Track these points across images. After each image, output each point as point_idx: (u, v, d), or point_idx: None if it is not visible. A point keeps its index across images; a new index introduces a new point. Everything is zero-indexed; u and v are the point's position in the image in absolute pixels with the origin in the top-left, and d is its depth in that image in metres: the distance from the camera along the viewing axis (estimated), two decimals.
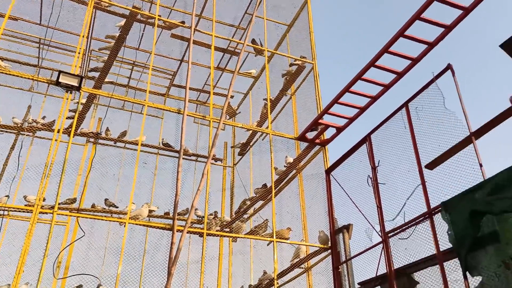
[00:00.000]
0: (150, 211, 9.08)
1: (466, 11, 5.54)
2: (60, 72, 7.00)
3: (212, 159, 12.19)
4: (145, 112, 7.93)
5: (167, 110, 8.69)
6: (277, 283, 8.29)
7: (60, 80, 6.89)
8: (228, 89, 8.53)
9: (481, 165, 4.90)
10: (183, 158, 11.34)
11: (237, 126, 10.48)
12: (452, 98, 5.41)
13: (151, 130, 11.80)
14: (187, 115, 7.71)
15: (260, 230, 7.76)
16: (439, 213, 5.23)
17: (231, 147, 12.94)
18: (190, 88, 12.64)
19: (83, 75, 7.60)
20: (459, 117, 5.18)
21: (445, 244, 5.20)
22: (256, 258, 9.60)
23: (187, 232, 6.89)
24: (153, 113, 11.97)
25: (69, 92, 7.06)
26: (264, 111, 9.86)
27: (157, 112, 12.05)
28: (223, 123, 10.29)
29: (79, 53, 7.60)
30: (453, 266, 5.13)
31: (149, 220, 8.78)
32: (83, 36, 7.82)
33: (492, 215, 4.56)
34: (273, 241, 7.34)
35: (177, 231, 6.20)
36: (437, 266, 5.29)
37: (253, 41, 10.25)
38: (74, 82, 6.97)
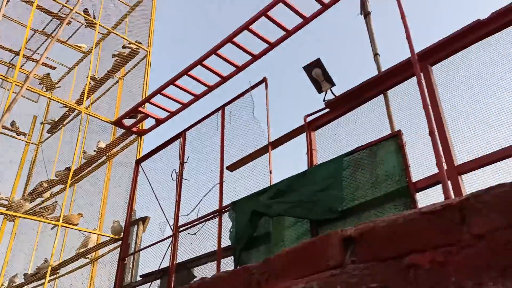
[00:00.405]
0: None
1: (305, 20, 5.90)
2: None
3: (12, 131, 10.72)
4: None
5: None
6: (57, 273, 7.56)
7: None
8: (43, 53, 7.58)
9: (270, 172, 5.32)
10: None
11: (46, 97, 9.37)
12: (263, 108, 5.80)
13: None
14: None
15: (46, 212, 6.97)
16: (228, 212, 5.47)
17: (40, 123, 11.56)
18: (4, 48, 11.01)
19: None
20: (263, 127, 5.57)
21: (227, 241, 5.45)
22: (41, 244, 8.61)
23: None
24: None
25: None
26: (85, 88, 9.10)
27: None
28: (34, 92, 9.16)
29: None
30: (229, 262, 5.39)
31: None
32: None
33: (269, 217, 4.97)
34: (58, 225, 6.65)
35: None
36: (215, 261, 5.49)
37: (86, 11, 9.44)
38: None
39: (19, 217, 7.06)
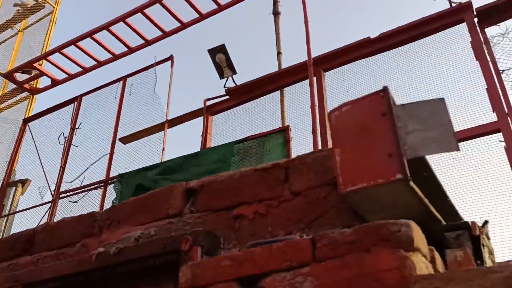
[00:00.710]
0: None
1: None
2: None
3: None
4: None
5: None
6: None
7: None
8: None
9: (163, 149, 5.36)
10: None
11: None
12: (166, 86, 5.79)
13: None
14: None
15: None
16: (114, 183, 5.40)
17: None
18: None
19: None
20: (162, 104, 5.56)
21: None
22: None
23: None
24: None
25: None
26: None
27: None
28: None
29: None
30: None
31: None
32: None
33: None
34: None
35: None
36: None
37: None
38: None
39: None
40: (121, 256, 1.48)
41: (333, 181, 1.32)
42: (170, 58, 6.00)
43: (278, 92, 5.11)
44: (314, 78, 4.65)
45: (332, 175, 1.33)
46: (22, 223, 6.11)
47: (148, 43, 6.66)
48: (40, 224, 1.98)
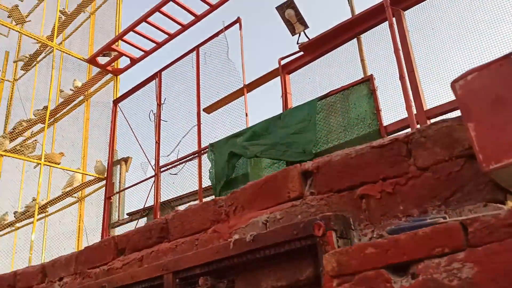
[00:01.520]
0: None
1: None
2: None
3: None
4: None
5: None
6: (46, 211, 7.82)
7: None
8: None
9: (246, 115, 5.48)
10: None
11: (18, 32, 9.07)
12: (238, 50, 5.83)
13: None
14: None
15: (27, 150, 7.06)
16: (207, 154, 5.68)
17: (14, 61, 11.20)
18: None
19: None
20: (238, 69, 5.63)
21: (208, 181, 5.72)
22: (26, 184, 8.77)
23: None
24: None
25: None
26: (56, 23, 8.80)
27: None
28: (4, 26, 8.82)
29: None
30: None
31: None
32: None
33: (246, 158, 5.21)
34: (40, 163, 6.79)
35: None
36: (197, 200, 5.80)
37: None
38: None
39: (2, 154, 7.13)
40: (256, 243, 1.60)
41: (464, 154, 1.29)
42: (238, 20, 5.97)
43: (354, 41, 4.91)
44: (394, 19, 4.40)
45: (462, 147, 1.31)
46: (132, 197, 6.74)
47: (213, 7, 6.67)
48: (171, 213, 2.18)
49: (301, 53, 5.24)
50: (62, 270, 2.57)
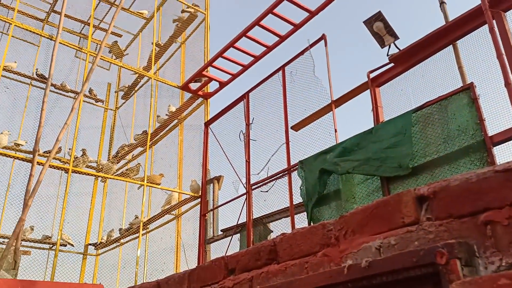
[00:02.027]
0: (17, 144, 8.38)
1: None
2: None
3: (92, 99, 11.57)
4: (11, 33, 7.10)
5: (37, 34, 7.91)
6: (148, 228, 8.41)
7: None
8: (110, 22, 8.00)
9: (336, 131, 5.44)
10: (58, 93, 10.61)
11: (120, 66, 9.98)
12: (323, 67, 5.85)
13: (26, 57, 10.63)
14: (60, 43, 7.09)
15: (131, 173, 7.68)
16: (297, 171, 5.73)
17: (115, 91, 12.32)
18: (72, 18, 11.65)
19: None
20: (324, 85, 5.63)
21: (298, 198, 5.76)
22: (129, 202, 9.54)
23: (53, 167, 6.53)
24: (28, 38, 10.72)
25: None
26: (151, 55, 9.54)
27: (33, 38, 10.83)
28: (107, 61, 9.77)
29: None
30: (302, 218, 5.72)
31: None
32: None
33: (338, 175, 5.16)
34: (143, 185, 7.34)
35: (38, 164, 5.83)
36: (289, 217, 5.85)
37: None
38: None
39: (110, 178, 7.86)
40: (372, 269, 1.58)
41: None
42: (323, 37, 6.00)
43: (450, 48, 4.67)
44: (494, 22, 4.12)
45: None
46: (226, 214, 6.99)
47: (296, 27, 6.78)
48: (277, 236, 2.22)
49: (391, 64, 5.10)
50: (176, 287, 2.74)
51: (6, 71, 8.61)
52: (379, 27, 4.87)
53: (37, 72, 10.30)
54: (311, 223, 5.43)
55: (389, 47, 4.98)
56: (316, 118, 5.87)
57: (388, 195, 4.48)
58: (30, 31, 7.92)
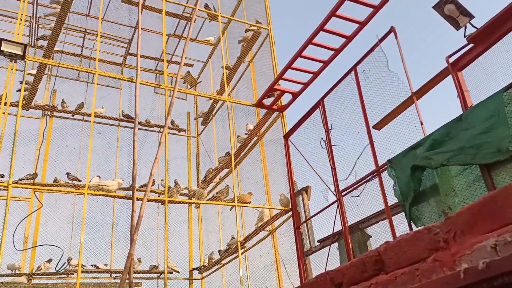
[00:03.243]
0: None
1: None
2: (1, 40, 6.68)
3: (175, 129, 12.27)
4: (96, 81, 7.81)
5: (119, 78, 8.60)
6: (244, 247, 8.64)
7: (2, 48, 6.58)
8: (182, 56, 8.47)
9: (421, 123, 5.20)
10: (145, 129, 11.41)
11: (195, 95, 10.49)
12: (396, 60, 5.66)
13: (111, 101, 11.63)
14: (140, 83, 7.65)
15: (222, 195, 7.97)
16: (386, 171, 5.55)
17: (194, 119, 12.95)
18: (147, 57, 12.49)
19: (30, 45, 7.32)
20: (401, 78, 5.43)
21: (392, 199, 5.56)
22: (223, 224, 9.89)
23: (150, 201, 7.02)
24: (111, 84, 11.73)
25: (13, 61, 6.80)
26: (223, 79, 9.90)
27: (115, 83, 11.80)
28: (183, 92, 10.32)
29: (21, 19, 7.31)
30: (400, 219, 5.51)
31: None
32: (24, 1, 7.51)
33: (432, 169, 4.91)
34: (234, 205, 7.58)
35: (137, 200, 6.30)
36: (386, 220, 5.66)
37: (206, 6, 10.14)
38: (17, 50, 6.69)
39: (203, 203, 8.24)
40: (491, 270, 1.50)
41: None
42: (392, 30, 5.81)
43: None
44: None
45: None
46: (320, 224, 6.96)
47: (362, 24, 6.64)
48: (381, 245, 2.18)
49: (471, 45, 4.79)
50: None
51: (96, 117, 9.48)
52: (451, 9, 4.61)
53: (123, 113, 11.20)
54: (411, 223, 5.21)
55: (465, 27, 4.69)
56: (397, 114, 5.66)
57: (491, 183, 4.18)
58: (113, 77, 8.64)
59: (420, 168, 4.95)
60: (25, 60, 6.82)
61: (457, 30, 4.75)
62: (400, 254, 2.05)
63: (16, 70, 6.88)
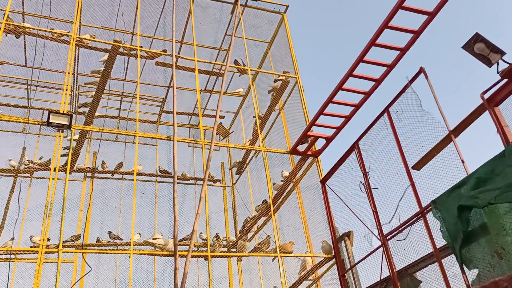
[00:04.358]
0: (154, 238, 9.23)
1: (431, 15, 5.81)
2: (50, 112, 7.13)
3: (211, 181, 12.41)
4: (137, 142, 8.12)
5: (158, 138, 8.89)
6: None
7: (50, 120, 7.03)
8: (216, 110, 8.73)
9: (463, 161, 5.11)
10: (182, 183, 11.62)
11: (229, 147, 10.69)
12: (428, 99, 5.66)
13: (148, 158, 12.00)
14: (178, 140, 7.89)
15: (264, 246, 7.90)
16: (431, 212, 5.41)
17: (229, 169, 13.11)
18: (181, 113, 12.94)
19: (73, 113, 7.77)
20: (436, 117, 5.40)
21: (441, 241, 5.37)
22: (265, 275, 9.72)
23: (193, 257, 7.04)
24: (147, 142, 12.15)
25: (61, 130, 7.22)
26: (255, 128, 10.09)
27: (151, 140, 12.22)
28: (217, 145, 10.56)
29: (66, 90, 7.81)
30: (451, 262, 5.29)
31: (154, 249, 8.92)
32: (68, 73, 8.05)
33: (479, 208, 4.75)
34: (277, 256, 7.49)
35: (180, 256, 6.34)
36: (436, 263, 5.45)
37: (236, 62, 10.53)
38: (64, 121, 7.12)
39: (246, 256, 8.19)
40: None
41: None
42: (421, 70, 5.86)
43: None
44: None
45: None
46: (365, 270, 6.75)
47: (390, 67, 6.72)
48: None
49: (505, 80, 4.77)
50: None
51: (133, 174, 9.76)
52: (481, 48, 4.64)
53: (160, 169, 11.49)
54: (463, 266, 4.99)
55: (497, 64, 4.69)
56: (436, 153, 5.58)
57: None
58: (152, 137, 8.97)
59: (467, 208, 4.80)
60: (72, 129, 7.21)
61: (489, 67, 4.76)
62: None
63: (60, 137, 7.29)
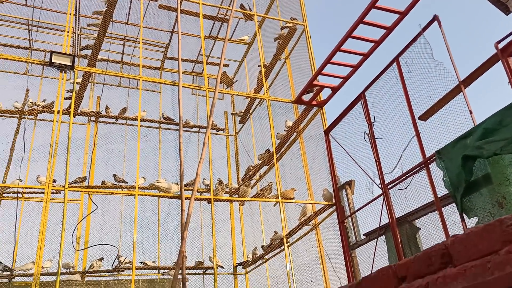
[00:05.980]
0: (158, 182, 9.40)
1: None
2: (52, 52, 7.01)
3: (214, 129, 12.44)
4: (141, 87, 8.04)
5: (162, 83, 8.82)
6: (288, 242, 8.68)
7: (53, 60, 6.92)
8: (221, 57, 8.58)
9: (471, 112, 5.07)
10: (185, 130, 11.65)
11: (233, 94, 10.61)
12: (440, 49, 5.52)
13: (151, 104, 11.95)
14: (182, 86, 7.81)
15: (266, 192, 8.04)
16: (434, 162, 5.44)
17: (232, 113, 13.08)
18: (184, 60, 12.70)
19: (75, 54, 7.63)
20: (447, 67, 5.30)
21: (442, 190, 5.44)
22: (266, 220, 9.98)
23: (197, 200, 7.19)
24: (151, 88, 12.05)
25: (63, 72, 7.12)
26: (260, 77, 9.95)
27: (155, 86, 12.12)
28: (221, 93, 10.46)
29: (68, 31, 7.63)
30: (451, 210, 5.39)
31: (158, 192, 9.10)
32: (70, 14, 7.82)
33: (483, 159, 4.77)
34: (278, 201, 7.63)
35: (185, 199, 6.46)
36: (436, 212, 5.55)
37: (242, 6, 10.21)
38: (67, 61, 7.01)
39: (248, 201, 8.35)
40: None
41: None
42: (435, 18, 5.68)
43: None
44: None
45: None
46: (365, 218, 6.90)
47: (402, 14, 6.52)
48: (449, 239, 2.15)
49: None
50: None
51: (136, 120, 9.76)
52: None
53: (163, 116, 11.47)
54: (463, 214, 5.08)
55: None
56: (444, 104, 5.52)
57: None
58: (156, 82, 8.87)
59: (472, 158, 4.82)
60: (74, 70, 7.11)
61: (507, 15, 4.60)
62: (469, 247, 2.03)
63: (63, 79, 7.21)
